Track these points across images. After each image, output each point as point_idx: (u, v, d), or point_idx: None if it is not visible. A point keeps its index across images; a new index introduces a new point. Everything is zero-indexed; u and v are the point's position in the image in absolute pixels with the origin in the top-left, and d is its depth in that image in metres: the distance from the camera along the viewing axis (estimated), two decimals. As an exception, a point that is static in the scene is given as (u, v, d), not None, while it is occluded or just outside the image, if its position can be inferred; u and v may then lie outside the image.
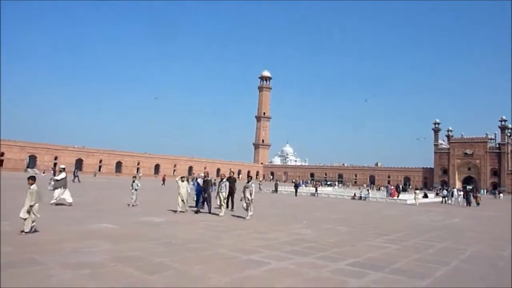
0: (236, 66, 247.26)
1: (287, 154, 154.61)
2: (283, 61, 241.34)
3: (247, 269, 6.05)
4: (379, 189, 57.20)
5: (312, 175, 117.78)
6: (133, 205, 15.28)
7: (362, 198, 33.72)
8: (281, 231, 10.70)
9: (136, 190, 15.67)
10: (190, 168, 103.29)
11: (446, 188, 49.27)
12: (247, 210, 13.28)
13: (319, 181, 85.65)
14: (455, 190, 38.72)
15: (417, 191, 32.89)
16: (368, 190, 40.40)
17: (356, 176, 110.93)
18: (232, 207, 15.46)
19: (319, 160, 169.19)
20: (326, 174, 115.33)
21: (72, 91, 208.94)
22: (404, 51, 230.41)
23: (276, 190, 38.74)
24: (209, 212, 14.20)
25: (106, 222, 10.51)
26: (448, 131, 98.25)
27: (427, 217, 18.53)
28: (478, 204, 31.33)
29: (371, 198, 33.94)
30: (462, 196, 32.42)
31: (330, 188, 54.46)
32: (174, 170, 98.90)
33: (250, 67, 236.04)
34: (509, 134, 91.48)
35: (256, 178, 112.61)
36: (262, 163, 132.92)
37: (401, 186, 53.36)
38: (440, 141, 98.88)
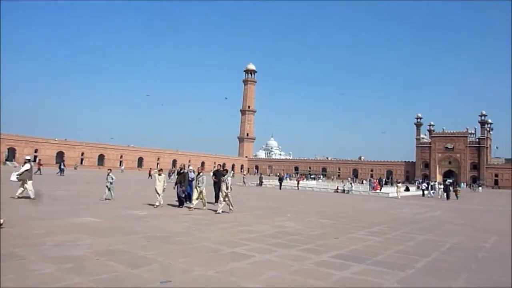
0: (221, 59, 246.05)
1: (271, 148, 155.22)
2: (268, 54, 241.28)
3: (231, 261, 6.08)
4: (362, 183, 57.96)
5: (296, 168, 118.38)
6: (106, 199, 14.47)
7: (346, 192, 34.11)
8: (266, 224, 10.76)
9: (111, 183, 14.84)
10: (174, 162, 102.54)
11: (426, 181, 50.16)
12: (218, 202, 12.84)
13: (303, 175, 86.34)
14: (436, 183, 39.45)
15: (399, 185, 33.43)
16: (351, 183, 40.86)
17: (339, 169, 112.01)
18: (216, 201, 14.79)
19: (303, 153, 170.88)
20: (310, 168, 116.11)
21: (53, 83, 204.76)
22: (390, 45, 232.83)
23: (260, 184, 38.84)
24: (180, 206, 13.61)
25: (89, 215, 10.39)
26: (430, 125, 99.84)
27: (409, 210, 18.87)
28: (457, 197, 32.01)
29: (354, 192, 34.34)
30: (442, 190, 33.04)
31: (314, 182, 54.88)
32: (157, 163, 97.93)
33: (235, 60, 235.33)
34: (488, 129, 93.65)
35: (241, 171, 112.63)
36: (246, 157, 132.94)
37: (384, 180, 54.22)
38: (422, 136, 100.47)
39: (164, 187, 13.73)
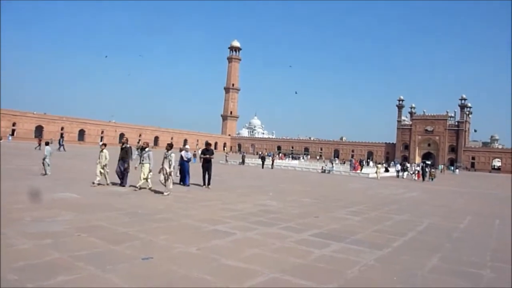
0: (206, 35, 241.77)
1: (254, 127, 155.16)
2: (254, 32, 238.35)
3: (213, 239, 6.12)
4: (344, 163, 58.73)
5: (279, 148, 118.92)
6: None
7: (327, 172, 34.54)
8: (247, 202, 10.84)
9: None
10: (156, 138, 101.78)
11: (399, 163, 51.15)
12: (165, 184, 11.23)
13: (284, 154, 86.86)
14: (411, 165, 40.20)
15: (379, 166, 34.00)
16: (332, 163, 41.37)
17: (321, 149, 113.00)
18: (208, 184, 13.60)
19: (286, 133, 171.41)
20: (292, 147, 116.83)
21: (33, 53, 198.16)
22: (376, 26, 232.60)
23: (243, 162, 38.96)
24: (122, 185, 12.22)
25: (69, 191, 10.26)
26: (411, 108, 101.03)
27: (387, 191, 19.27)
28: (431, 179, 32.60)
29: (335, 172, 34.81)
30: (414, 171, 33.75)
31: (296, 161, 55.34)
32: (139, 140, 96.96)
33: (220, 37, 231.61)
34: (467, 113, 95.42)
35: (223, 149, 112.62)
36: (229, 135, 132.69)
37: (364, 161, 55.00)
38: (403, 118, 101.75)
39: (105, 163, 12.11)
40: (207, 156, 13.83)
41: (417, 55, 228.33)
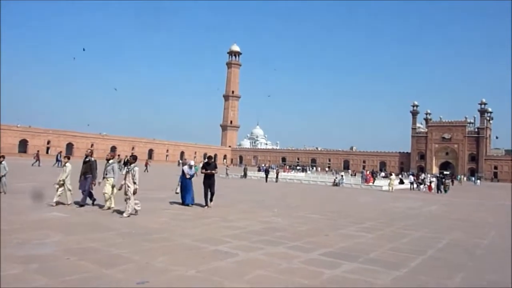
0: (203, 40, 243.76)
1: (257, 137, 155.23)
2: (254, 35, 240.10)
3: (214, 260, 6.10)
4: (354, 175, 58.60)
5: (283, 159, 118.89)
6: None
7: (336, 184, 34.45)
8: (250, 219, 10.81)
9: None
10: (151, 151, 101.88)
11: (413, 174, 51.00)
12: (129, 202, 10.10)
13: (285, 165, 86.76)
14: (427, 176, 40.17)
15: (392, 177, 33.89)
16: (342, 175, 41.31)
17: (329, 160, 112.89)
18: (210, 201, 12.85)
19: (292, 143, 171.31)
20: (298, 159, 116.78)
21: (18, 65, 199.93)
22: (386, 27, 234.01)
23: (245, 176, 38.94)
24: (82, 205, 11.26)
25: (57, 210, 10.26)
26: (426, 114, 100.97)
27: (403, 204, 19.20)
28: (445, 191, 32.33)
29: (345, 184, 34.73)
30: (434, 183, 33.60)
31: (302, 174, 55.26)
32: (132, 153, 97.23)
33: (218, 41, 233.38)
34: (488, 118, 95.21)
35: (223, 162, 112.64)
36: (230, 146, 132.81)
37: (379, 173, 54.86)
38: (418, 125, 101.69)
39: (64, 178, 11.22)
40: (209, 171, 12.95)
41: (432, 57, 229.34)
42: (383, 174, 33.14)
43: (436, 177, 37.67)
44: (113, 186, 11.02)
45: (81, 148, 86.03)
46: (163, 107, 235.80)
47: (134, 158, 11.21)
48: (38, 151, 50.62)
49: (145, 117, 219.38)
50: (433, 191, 32.31)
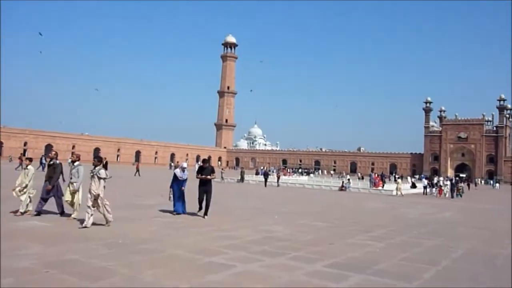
0: (195, 30, 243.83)
1: (255, 137, 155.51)
2: (251, 25, 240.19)
3: (208, 273, 6.10)
4: (361, 178, 58.71)
5: (284, 161, 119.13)
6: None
7: (343, 189, 34.50)
8: (248, 228, 10.82)
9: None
10: (138, 153, 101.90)
11: (427, 177, 51.06)
12: (88, 211, 9.51)
13: (285, 168, 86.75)
14: (441, 179, 40.30)
15: (399, 180, 33.88)
16: (349, 179, 41.37)
17: (335, 163, 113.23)
18: (206, 213, 12.23)
19: (293, 144, 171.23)
20: (300, 161, 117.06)
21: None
22: (392, 20, 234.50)
23: (242, 180, 38.95)
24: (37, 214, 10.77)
25: (36, 218, 10.25)
26: (440, 111, 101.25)
27: (416, 211, 19.24)
28: (459, 195, 32.35)
29: (352, 189, 34.79)
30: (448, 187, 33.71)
31: (305, 177, 55.33)
32: (117, 155, 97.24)
33: (212, 31, 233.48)
34: (508, 116, 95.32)
35: (218, 165, 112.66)
36: (225, 147, 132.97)
37: (394, 176, 54.89)
38: (431, 123, 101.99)
39: (27, 183, 10.92)
40: (204, 176, 12.32)
41: (447, 49, 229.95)
42: (399, 180, 33.19)
43: (450, 180, 37.76)
44: (74, 192, 10.57)
45: (61, 149, 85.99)
46: (152, 104, 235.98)
47: (98, 159, 10.39)
48: (21, 153, 50.55)
49: (131, 116, 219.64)
50: (446, 195, 32.31)
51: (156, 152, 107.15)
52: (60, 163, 11.41)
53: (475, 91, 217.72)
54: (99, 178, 9.75)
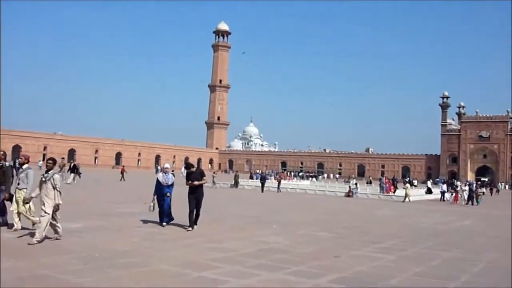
0: (183, 16, 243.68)
1: (250, 137, 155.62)
2: (246, 11, 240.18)
3: (198, 290, 6.11)
4: (369, 183, 58.88)
5: (283, 164, 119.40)
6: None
7: (349, 195, 34.57)
8: (243, 239, 10.83)
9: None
10: (118, 155, 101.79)
11: (445, 181, 51.23)
12: (38, 221, 9.27)
13: (291, 173, 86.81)
14: (460, 184, 40.54)
15: (408, 186, 33.91)
16: (356, 184, 41.51)
17: (340, 165, 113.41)
18: (195, 223, 12.00)
19: (293, 144, 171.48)
20: (302, 163, 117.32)
21: None
22: (400, 8, 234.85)
23: (236, 185, 38.96)
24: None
25: (5, 230, 10.21)
26: (459, 107, 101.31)
27: (430, 219, 19.32)
28: (477, 201, 32.27)
29: (359, 195, 34.88)
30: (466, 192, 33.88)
31: (307, 182, 55.42)
32: (95, 158, 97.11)
33: (202, 18, 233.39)
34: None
35: (209, 168, 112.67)
36: (217, 148, 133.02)
37: (409, 180, 55.03)
38: (448, 121, 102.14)
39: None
40: (195, 182, 11.97)
41: (465, 38, 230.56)
42: (408, 185, 33.09)
43: (469, 184, 37.90)
44: (25, 202, 9.96)
45: (30, 151, 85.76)
46: (134, 101, 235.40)
47: (53, 161, 9.71)
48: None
49: (111, 114, 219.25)
50: (462, 202, 32.36)
51: (139, 154, 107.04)
52: (11, 165, 11.11)
53: (498, 85, 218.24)
54: (54, 187, 9.13)
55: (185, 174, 13.68)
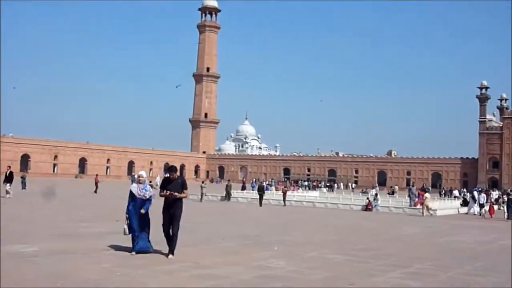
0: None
1: (245, 138, 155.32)
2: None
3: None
4: (392, 193, 58.94)
5: (286, 171, 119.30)
6: None
7: (368, 208, 34.55)
8: (238, 263, 10.82)
9: None
10: (82, 161, 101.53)
11: (482, 189, 51.30)
12: None
13: (295, 182, 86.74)
14: (493, 194, 40.63)
15: (427, 195, 33.93)
16: (376, 194, 41.55)
17: (357, 172, 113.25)
18: (172, 249, 11.24)
19: (298, 147, 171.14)
20: (309, 170, 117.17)
21: None
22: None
23: (228, 197, 38.90)
24: None
25: None
26: (501, 100, 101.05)
27: (467, 237, 19.35)
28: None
29: (380, 208, 34.88)
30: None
31: (315, 193, 55.44)
32: (54, 165, 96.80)
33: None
34: None
35: (195, 176, 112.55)
36: (204, 152, 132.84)
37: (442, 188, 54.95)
38: (488, 116, 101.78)
39: None
40: (169, 192, 11.25)
41: (504, 11, 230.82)
42: (428, 194, 32.67)
43: (507, 194, 37.94)
44: None
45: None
46: (102, 95, 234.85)
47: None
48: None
49: (73, 111, 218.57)
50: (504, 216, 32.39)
51: (108, 160, 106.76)
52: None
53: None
54: None
55: (160, 183, 13.02)
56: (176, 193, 11.15)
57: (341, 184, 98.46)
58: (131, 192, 11.74)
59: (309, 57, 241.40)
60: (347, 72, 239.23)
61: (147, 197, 11.61)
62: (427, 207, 31.40)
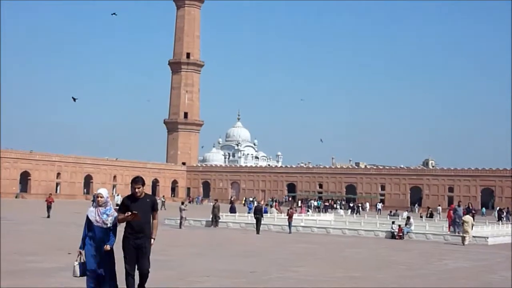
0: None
1: (238, 144, 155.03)
2: None
3: None
4: (430, 216, 58.93)
5: (291, 187, 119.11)
6: None
7: (398, 235, 34.62)
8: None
9: None
10: (25, 176, 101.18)
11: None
12: None
13: (303, 201, 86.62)
14: None
15: (468, 218, 34.06)
16: (409, 218, 41.66)
17: (383, 189, 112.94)
18: (144, 280, 10.29)
19: (306, 157, 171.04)
20: (321, 187, 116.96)
21: None
22: None
23: (215, 222, 38.90)
24: None
25: None
26: None
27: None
28: None
29: (414, 235, 34.92)
30: None
31: (329, 216, 55.48)
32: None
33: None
34: None
35: (172, 195, 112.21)
36: (184, 163, 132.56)
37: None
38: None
39: None
40: (134, 214, 9.93)
41: None
42: (468, 216, 32.35)
43: None
44: None
45: None
46: (49, 90, 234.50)
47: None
48: None
49: (12, 112, 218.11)
50: None
51: (59, 175, 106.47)
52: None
53: None
54: None
55: (119, 203, 12.21)
56: (140, 218, 9.93)
57: (367, 204, 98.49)
58: (87, 218, 10.39)
59: (319, 43, 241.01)
60: (370, 64, 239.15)
61: (109, 224, 10.24)
62: (467, 233, 31.51)
